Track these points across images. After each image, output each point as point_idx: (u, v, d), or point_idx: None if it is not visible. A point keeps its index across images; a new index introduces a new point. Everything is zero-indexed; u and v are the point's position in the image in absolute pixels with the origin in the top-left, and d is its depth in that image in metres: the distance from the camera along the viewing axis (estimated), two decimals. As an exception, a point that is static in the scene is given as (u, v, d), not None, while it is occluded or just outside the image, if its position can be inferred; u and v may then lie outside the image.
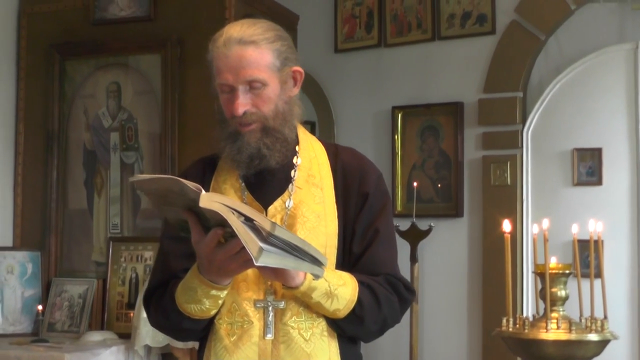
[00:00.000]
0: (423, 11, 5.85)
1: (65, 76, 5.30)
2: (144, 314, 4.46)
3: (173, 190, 2.02)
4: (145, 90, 5.13)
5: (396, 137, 5.86)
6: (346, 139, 5.80)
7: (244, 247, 1.96)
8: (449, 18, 5.78)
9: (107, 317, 5.02)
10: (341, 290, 2.24)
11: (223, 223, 1.98)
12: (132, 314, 4.81)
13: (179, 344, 4.46)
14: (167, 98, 5.02)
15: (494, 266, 5.33)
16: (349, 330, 2.32)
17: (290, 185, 2.35)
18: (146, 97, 5.13)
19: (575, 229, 3.09)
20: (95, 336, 4.81)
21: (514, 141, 5.52)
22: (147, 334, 4.48)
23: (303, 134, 2.44)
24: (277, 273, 2.15)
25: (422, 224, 5.39)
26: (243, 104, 2.27)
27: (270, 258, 1.97)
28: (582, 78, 5.37)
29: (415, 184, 5.58)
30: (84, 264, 5.21)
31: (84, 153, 5.27)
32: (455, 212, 5.65)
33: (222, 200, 1.97)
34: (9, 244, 5.29)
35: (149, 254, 4.98)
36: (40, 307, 5.04)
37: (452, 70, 5.75)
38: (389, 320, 2.35)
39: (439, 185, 5.74)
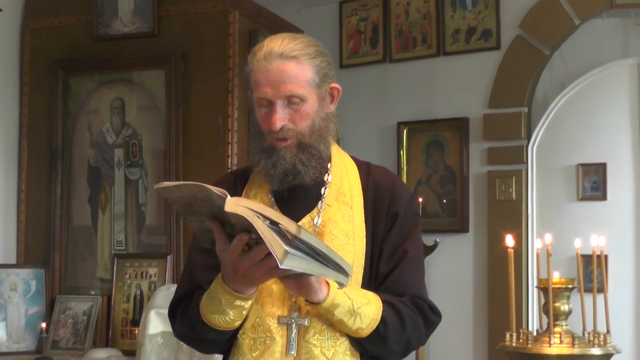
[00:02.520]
0: (428, 26, 5.86)
1: (69, 92, 5.29)
2: (149, 331, 4.49)
3: (198, 198, 2.01)
4: (149, 106, 5.13)
5: (401, 152, 5.86)
6: (351, 154, 5.77)
7: (269, 254, 1.95)
8: (453, 33, 5.78)
9: (111, 334, 5.00)
10: (365, 308, 2.22)
11: (248, 229, 1.97)
12: (136, 331, 4.79)
13: (184, 361, 4.44)
14: (171, 114, 5.01)
15: (499, 281, 5.31)
16: (372, 350, 2.29)
17: (319, 203, 2.34)
18: (150, 113, 5.12)
19: (578, 244, 3.09)
20: (100, 353, 4.79)
21: (519, 156, 5.52)
22: (152, 351, 4.46)
23: (336, 150, 2.43)
24: (300, 286, 2.14)
25: (428, 240, 5.37)
26: (281, 118, 2.26)
27: (295, 261, 1.96)
28: (586, 93, 5.38)
29: (420, 199, 5.56)
30: (88, 280, 5.19)
31: (88, 169, 5.25)
32: (460, 227, 5.65)
33: (247, 204, 1.96)
34: (13, 261, 5.26)
35: (154, 271, 4.97)
36: (44, 325, 5.01)
37: (457, 85, 5.75)
38: (413, 342, 2.33)
39: (445, 201, 5.73)
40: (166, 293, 4.52)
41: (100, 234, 5.19)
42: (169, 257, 4.93)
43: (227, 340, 2.31)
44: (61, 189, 5.24)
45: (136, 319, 4.91)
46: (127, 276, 5.02)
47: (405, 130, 5.88)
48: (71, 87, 5.30)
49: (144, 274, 4.99)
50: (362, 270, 2.31)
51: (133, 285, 5.00)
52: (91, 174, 5.24)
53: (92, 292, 5.15)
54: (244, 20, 5.02)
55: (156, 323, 4.42)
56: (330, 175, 2.37)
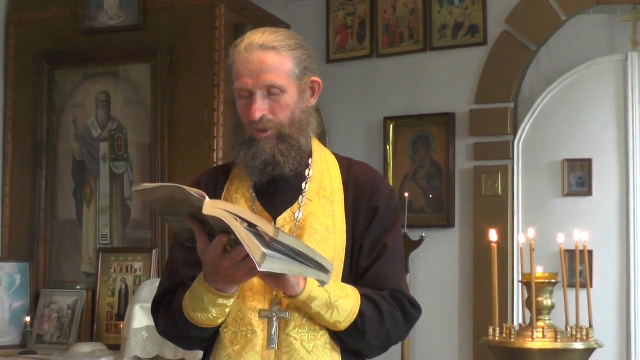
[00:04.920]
0: (415, 22, 5.86)
1: (54, 85, 5.27)
2: (134, 325, 4.48)
3: (177, 199, 2.02)
4: (135, 100, 5.11)
5: (388, 147, 5.85)
6: (338, 149, 5.69)
7: (249, 255, 1.96)
8: (440, 29, 5.78)
9: (96, 328, 4.99)
10: (342, 302, 2.23)
11: (227, 230, 1.98)
12: (121, 325, 4.77)
13: (169, 355, 4.43)
14: (157, 108, 5.00)
15: (484, 276, 5.31)
16: (350, 344, 2.30)
17: (300, 197, 2.35)
18: (136, 106, 5.11)
19: (561, 239, 3.10)
20: (85, 348, 4.78)
21: (505, 152, 5.52)
22: (137, 345, 4.45)
23: (317, 146, 2.43)
24: (278, 281, 2.15)
25: (414, 235, 5.38)
26: (261, 109, 2.27)
27: (274, 264, 1.97)
28: (572, 89, 5.38)
29: (406, 194, 5.57)
30: (73, 275, 5.18)
31: (73, 163, 5.23)
32: (446, 222, 5.65)
33: (225, 207, 1.97)
34: (-3, 255, 5.27)
35: (139, 265, 4.96)
36: (28, 319, 5.00)
37: (444, 80, 5.75)
38: (393, 336, 2.33)
39: (431, 196, 5.73)
40: (151, 287, 4.52)
41: (85, 228, 5.18)
42: (154, 252, 4.92)
43: (210, 337, 2.32)
44: (46, 183, 5.22)
45: (121, 313, 4.90)
46: (112, 270, 5.00)
47: (391, 126, 5.87)
48: (56, 81, 5.28)
49: (129, 268, 4.99)
50: (343, 264, 2.32)
51: (118, 279, 4.99)
52: (76, 168, 5.23)
53: (77, 287, 5.13)
54: (230, 14, 5.01)
55: (141, 317, 4.42)
56: (311, 170, 2.38)
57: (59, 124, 5.27)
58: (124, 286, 4.97)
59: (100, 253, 5.06)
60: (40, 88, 5.25)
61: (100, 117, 5.20)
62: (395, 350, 5.41)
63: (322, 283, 2.12)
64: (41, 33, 5.31)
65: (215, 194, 2.36)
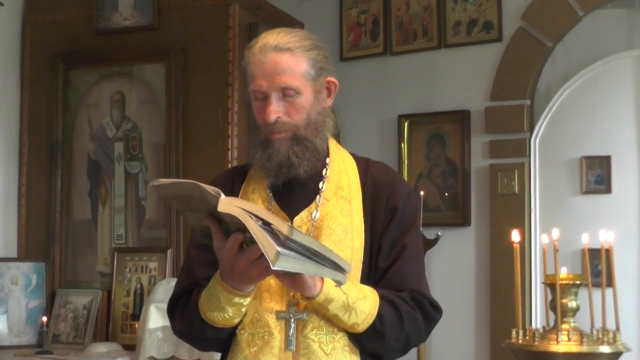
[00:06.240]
0: (429, 19, 5.82)
1: (69, 86, 5.28)
2: (149, 325, 4.48)
3: (193, 196, 2.01)
4: (149, 99, 5.11)
5: (402, 145, 5.83)
6: (352, 148, 5.67)
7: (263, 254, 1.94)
8: (455, 25, 5.75)
9: (111, 328, 4.99)
10: (360, 303, 2.21)
11: (242, 228, 1.96)
12: (137, 325, 4.78)
13: (185, 355, 4.42)
14: (171, 107, 4.99)
15: (501, 276, 5.29)
16: (369, 346, 2.27)
17: (317, 197, 2.33)
18: (150, 106, 5.11)
19: (585, 239, 3.06)
20: (100, 348, 4.78)
21: (522, 149, 5.48)
22: (152, 345, 4.45)
23: (335, 146, 2.42)
24: (295, 282, 2.13)
25: (429, 233, 5.36)
26: (275, 110, 2.26)
27: (289, 262, 1.94)
28: (590, 85, 5.34)
29: (422, 192, 5.54)
30: (88, 274, 5.18)
31: (88, 163, 5.24)
32: (462, 221, 5.61)
33: (241, 204, 1.95)
34: (14, 254, 5.26)
35: (154, 265, 4.95)
36: (44, 319, 5.00)
37: (459, 78, 5.72)
38: (412, 338, 2.30)
39: (446, 194, 5.70)
40: (166, 287, 4.51)
41: (100, 227, 5.18)
42: (169, 251, 4.92)
43: (226, 338, 2.31)
44: (61, 183, 5.23)
45: (136, 313, 4.90)
46: (127, 270, 5.00)
47: (406, 124, 5.85)
48: (71, 81, 5.28)
49: (144, 268, 4.98)
50: (361, 265, 2.30)
51: (133, 279, 4.98)
52: (91, 168, 5.23)
53: (93, 286, 5.13)
54: (243, 13, 5.00)
55: (156, 317, 4.42)
56: (328, 170, 2.36)
57: (74, 124, 5.27)
58: (139, 286, 4.96)
59: (115, 253, 5.06)
60: (56, 88, 5.26)
61: (115, 117, 5.19)
62: (411, 351, 5.40)
63: (339, 283, 2.09)
64: (56, 34, 5.32)
65: (232, 194, 2.34)
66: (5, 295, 5.08)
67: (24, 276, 5.14)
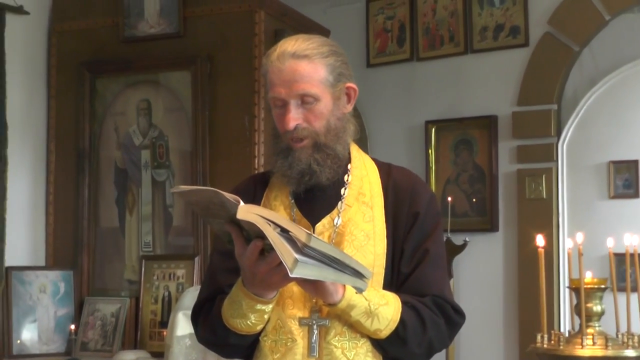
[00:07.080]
0: (455, 24, 5.82)
1: (96, 94, 5.29)
2: (177, 333, 4.48)
3: (214, 202, 2.02)
4: (175, 107, 5.12)
5: (430, 151, 5.82)
6: (379, 154, 5.74)
7: None
8: (481, 31, 5.74)
9: (140, 336, 4.99)
10: (382, 309, 2.20)
11: (262, 235, 1.96)
12: (165, 333, 4.78)
13: (213, 363, 4.43)
14: (198, 115, 5.00)
15: (530, 281, 5.25)
16: (392, 352, 2.26)
17: (339, 203, 2.33)
18: (176, 114, 5.12)
19: (610, 243, 3.04)
20: (128, 355, 4.78)
21: (549, 154, 5.46)
22: (180, 353, 4.45)
23: (356, 151, 2.42)
24: (316, 288, 2.13)
25: (457, 239, 5.34)
26: (295, 118, 2.26)
27: (307, 269, 1.94)
28: (617, 89, 5.32)
29: (449, 198, 5.53)
30: (116, 282, 5.19)
31: (115, 171, 5.25)
32: (490, 226, 5.60)
33: (259, 211, 1.96)
34: (42, 263, 5.28)
35: (182, 272, 4.96)
36: (73, 327, 5.02)
37: (486, 83, 5.70)
38: (435, 344, 2.29)
39: (474, 200, 5.69)
40: (194, 294, 4.48)
41: (128, 235, 5.19)
42: (196, 259, 4.92)
43: (250, 345, 2.30)
44: (89, 191, 5.24)
45: (164, 320, 4.90)
46: (155, 278, 5.01)
47: (433, 129, 5.84)
48: (97, 89, 5.30)
49: (172, 276, 4.99)
50: (383, 270, 2.29)
51: (161, 286, 4.99)
52: (118, 176, 5.24)
53: (121, 294, 5.15)
54: (269, 20, 5.00)
55: (184, 324, 4.42)
56: (350, 176, 2.36)
57: (101, 132, 5.29)
58: (166, 293, 4.97)
59: (143, 260, 5.06)
60: (82, 97, 5.27)
61: (142, 125, 5.21)
62: (439, 355, 5.39)
63: (359, 290, 2.09)
64: (82, 42, 5.34)
65: (254, 202, 2.35)
66: (33, 303, 5.10)
67: (52, 284, 5.16)
